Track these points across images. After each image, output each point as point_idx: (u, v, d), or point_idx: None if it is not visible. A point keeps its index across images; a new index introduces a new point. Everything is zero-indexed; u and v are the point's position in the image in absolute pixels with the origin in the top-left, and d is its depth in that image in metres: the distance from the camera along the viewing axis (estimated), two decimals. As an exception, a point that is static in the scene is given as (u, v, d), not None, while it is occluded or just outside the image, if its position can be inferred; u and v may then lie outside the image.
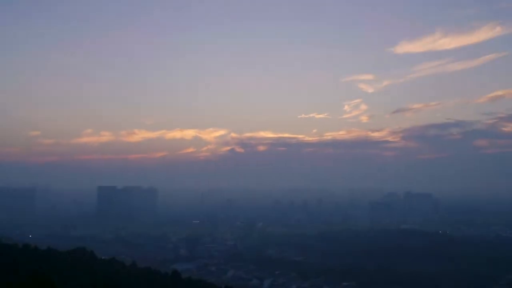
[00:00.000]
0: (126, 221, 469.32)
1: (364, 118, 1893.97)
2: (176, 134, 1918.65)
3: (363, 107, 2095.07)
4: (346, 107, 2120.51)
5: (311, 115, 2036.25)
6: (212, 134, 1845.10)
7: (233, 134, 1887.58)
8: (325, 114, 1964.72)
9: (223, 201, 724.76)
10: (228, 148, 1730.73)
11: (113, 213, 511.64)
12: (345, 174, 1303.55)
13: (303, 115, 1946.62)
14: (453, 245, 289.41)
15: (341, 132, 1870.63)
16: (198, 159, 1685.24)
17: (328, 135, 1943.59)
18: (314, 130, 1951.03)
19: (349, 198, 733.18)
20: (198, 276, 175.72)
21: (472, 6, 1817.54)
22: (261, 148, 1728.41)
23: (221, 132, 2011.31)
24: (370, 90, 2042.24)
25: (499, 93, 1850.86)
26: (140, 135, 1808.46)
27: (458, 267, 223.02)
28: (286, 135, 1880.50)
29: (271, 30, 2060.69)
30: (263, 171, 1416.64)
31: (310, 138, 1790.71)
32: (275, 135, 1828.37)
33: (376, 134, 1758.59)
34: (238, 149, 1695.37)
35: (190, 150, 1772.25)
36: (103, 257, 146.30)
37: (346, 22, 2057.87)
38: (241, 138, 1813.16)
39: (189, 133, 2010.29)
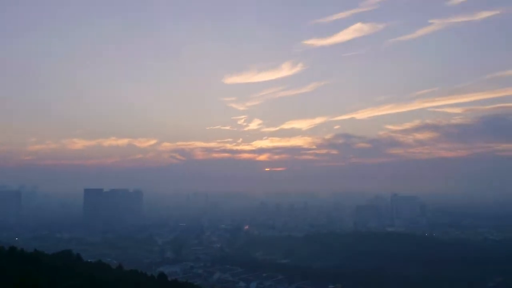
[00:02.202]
0: (112, 223, 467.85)
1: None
2: (112, 142, 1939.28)
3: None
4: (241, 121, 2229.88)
5: (217, 127, 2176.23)
6: (146, 143, 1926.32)
7: (165, 143, 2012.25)
8: (228, 126, 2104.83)
9: (209, 204, 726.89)
10: (175, 155, 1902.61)
11: (100, 215, 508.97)
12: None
13: (211, 127, 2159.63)
14: (440, 248, 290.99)
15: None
16: (151, 164, 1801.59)
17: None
18: (239, 140, 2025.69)
19: (334, 201, 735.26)
20: (184, 279, 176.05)
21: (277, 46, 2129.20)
22: (201, 155, 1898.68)
23: (153, 141, 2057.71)
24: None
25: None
26: (80, 143, 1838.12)
27: (445, 270, 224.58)
28: (213, 144, 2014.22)
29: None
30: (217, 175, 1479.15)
31: (238, 147, 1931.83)
32: (207, 144, 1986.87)
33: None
34: (180, 157, 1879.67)
35: (139, 156, 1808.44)
36: (89, 260, 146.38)
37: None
38: (177, 147, 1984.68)
39: (124, 141, 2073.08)
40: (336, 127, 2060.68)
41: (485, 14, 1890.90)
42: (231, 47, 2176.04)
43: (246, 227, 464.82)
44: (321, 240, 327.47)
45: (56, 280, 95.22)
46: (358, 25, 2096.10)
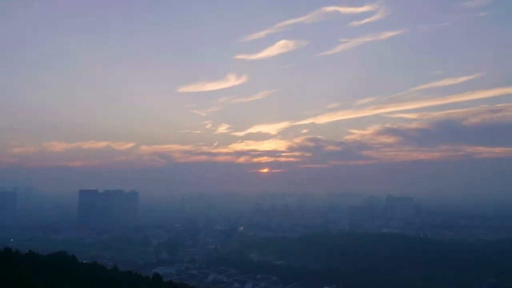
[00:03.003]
0: (107, 224, 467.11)
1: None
2: (91, 145, 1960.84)
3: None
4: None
5: (187, 131, 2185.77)
6: (124, 146, 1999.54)
7: (143, 147, 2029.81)
8: (198, 130, 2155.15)
9: (204, 205, 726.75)
10: (155, 157, 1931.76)
11: (95, 217, 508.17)
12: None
13: (182, 131, 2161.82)
14: (435, 249, 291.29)
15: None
16: (136, 166, 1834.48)
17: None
18: (215, 143, 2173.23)
19: (329, 202, 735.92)
20: (179, 280, 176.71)
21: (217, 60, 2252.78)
22: (182, 157, 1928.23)
23: (131, 144, 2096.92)
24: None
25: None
26: (60, 146, 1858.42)
27: (439, 270, 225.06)
28: (189, 147, 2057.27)
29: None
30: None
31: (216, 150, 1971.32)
32: (183, 147, 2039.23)
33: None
34: (160, 159, 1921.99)
35: (124, 158, 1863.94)
36: (84, 261, 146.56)
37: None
38: (156, 149, 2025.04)
39: (102, 144, 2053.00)
40: (304, 131, 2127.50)
41: (388, 34, 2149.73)
42: (179, 60, 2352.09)
43: (241, 228, 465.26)
44: (316, 241, 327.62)
45: (51, 281, 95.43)
46: (283, 42, 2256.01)
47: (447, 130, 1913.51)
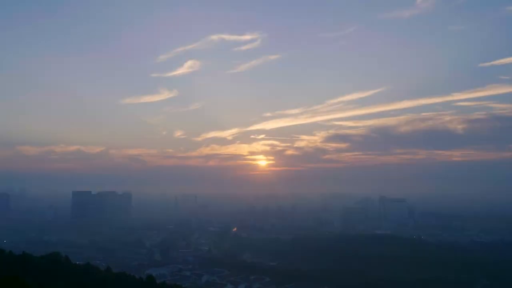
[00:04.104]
0: (100, 226, 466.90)
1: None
2: (62, 149, 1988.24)
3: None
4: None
5: (149, 136, 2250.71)
6: (94, 150, 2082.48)
7: (112, 150, 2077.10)
8: (158, 136, 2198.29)
9: (197, 206, 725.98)
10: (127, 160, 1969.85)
11: (88, 218, 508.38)
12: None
13: (147, 136, 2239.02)
14: (428, 250, 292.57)
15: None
16: (115, 168, 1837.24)
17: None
18: (181, 147, 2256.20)
19: (322, 204, 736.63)
20: (173, 281, 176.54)
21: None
22: (155, 160, 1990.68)
23: (101, 148, 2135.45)
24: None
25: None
26: (32, 150, 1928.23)
27: (433, 272, 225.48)
28: (154, 151, 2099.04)
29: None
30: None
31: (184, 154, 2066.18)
32: (150, 151, 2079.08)
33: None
34: (133, 163, 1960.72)
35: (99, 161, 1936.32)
36: (77, 262, 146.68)
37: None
38: (126, 153, 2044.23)
39: (73, 148, 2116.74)
40: (261, 136, 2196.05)
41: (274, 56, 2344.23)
42: (111, 75, 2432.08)
43: (234, 229, 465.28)
44: (309, 243, 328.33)
45: (45, 282, 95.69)
46: (191, 62, 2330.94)
47: (383, 136, 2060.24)
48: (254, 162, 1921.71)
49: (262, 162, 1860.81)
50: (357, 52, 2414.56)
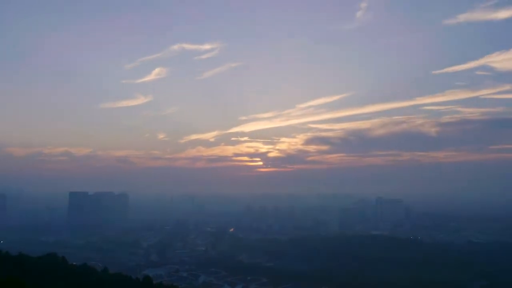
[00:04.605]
0: (97, 226, 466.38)
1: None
2: (50, 150, 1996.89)
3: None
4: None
5: (136, 139, 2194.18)
6: (82, 152, 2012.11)
7: (99, 152, 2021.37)
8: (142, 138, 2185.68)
9: (193, 207, 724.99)
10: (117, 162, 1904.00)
11: (85, 218, 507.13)
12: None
13: (133, 138, 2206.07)
14: (425, 251, 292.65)
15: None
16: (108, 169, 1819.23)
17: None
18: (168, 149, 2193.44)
19: (319, 204, 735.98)
20: (170, 282, 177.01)
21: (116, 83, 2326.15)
22: (145, 162, 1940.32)
23: (88, 150, 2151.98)
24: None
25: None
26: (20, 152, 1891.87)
27: (429, 273, 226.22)
28: (141, 152, 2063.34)
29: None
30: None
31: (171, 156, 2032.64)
32: (138, 152, 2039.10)
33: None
34: (123, 164, 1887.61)
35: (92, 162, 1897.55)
36: (74, 263, 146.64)
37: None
38: (115, 155, 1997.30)
39: (60, 150, 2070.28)
40: (244, 138, 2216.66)
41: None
42: (86, 81, 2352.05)
43: (231, 229, 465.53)
44: (306, 243, 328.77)
45: (42, 283, 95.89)
46: (158, 69, 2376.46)
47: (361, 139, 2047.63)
48: (242, 164, 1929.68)
49: (249, 163, 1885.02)
50: (313, 61, 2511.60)
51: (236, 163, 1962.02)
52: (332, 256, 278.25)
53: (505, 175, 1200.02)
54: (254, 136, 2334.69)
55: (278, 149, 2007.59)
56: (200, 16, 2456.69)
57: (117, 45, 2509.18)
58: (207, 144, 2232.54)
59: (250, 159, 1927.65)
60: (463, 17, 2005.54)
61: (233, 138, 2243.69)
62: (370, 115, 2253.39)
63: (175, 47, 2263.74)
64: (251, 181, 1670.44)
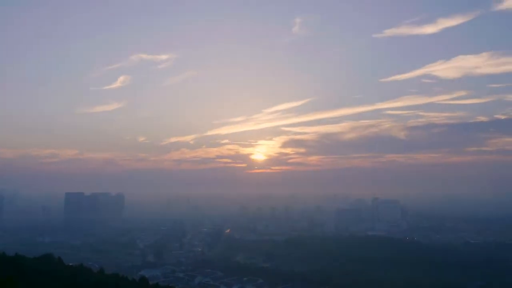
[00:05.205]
0: (93, 227, 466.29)
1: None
2: (39, 152, 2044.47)
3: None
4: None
5: (120, 142, 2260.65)
6: (68, 153, 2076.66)
7: (87, 154, 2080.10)
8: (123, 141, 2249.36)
9: (190, 208, 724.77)
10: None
11: (81, 219, 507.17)
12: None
13: (117, 141, 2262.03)
14: (421, 252, 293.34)
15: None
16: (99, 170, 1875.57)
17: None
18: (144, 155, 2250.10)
19: (316, 205, 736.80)
20: (166, 283, 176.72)
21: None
22: (131, 163, 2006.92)
23: (75, 151, 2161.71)
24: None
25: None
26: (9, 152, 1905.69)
27: (426, 273, 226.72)
28: (125, 154, 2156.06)
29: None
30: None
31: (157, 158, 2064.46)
32: (123, 154, 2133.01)
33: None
34: (111, 166, 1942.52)
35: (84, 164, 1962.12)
36: (71, 264, 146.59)
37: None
38: (101, 156, 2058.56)
39: (46, 152, 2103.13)
40: (225, 140, 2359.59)
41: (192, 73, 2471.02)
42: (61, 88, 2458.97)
43: (228, 230, 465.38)
44: (302, 244, 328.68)
45: (38, 284, 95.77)
46: (122, 77, 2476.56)
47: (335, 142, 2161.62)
48: (226, 165, 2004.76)
49: (233, 164, 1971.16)
50: (268, 70, 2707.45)
51: (220, 164, 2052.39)
52: (328, 257, 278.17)
53: (481, 176, 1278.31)
54: (232, 138, 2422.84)
55: (259, 152, 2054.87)
56: (154, 28, 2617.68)
57: (81, 54, 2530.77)
58: (188, 146, 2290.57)
59: (233, 161, 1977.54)
60: (389, 32, 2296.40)
61: (212, 141, 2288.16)
62: (337, 119, 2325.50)
63: (134, 57, 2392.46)
64: (241, 182, 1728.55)
